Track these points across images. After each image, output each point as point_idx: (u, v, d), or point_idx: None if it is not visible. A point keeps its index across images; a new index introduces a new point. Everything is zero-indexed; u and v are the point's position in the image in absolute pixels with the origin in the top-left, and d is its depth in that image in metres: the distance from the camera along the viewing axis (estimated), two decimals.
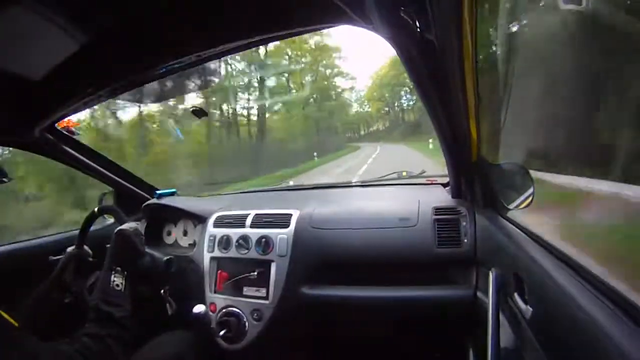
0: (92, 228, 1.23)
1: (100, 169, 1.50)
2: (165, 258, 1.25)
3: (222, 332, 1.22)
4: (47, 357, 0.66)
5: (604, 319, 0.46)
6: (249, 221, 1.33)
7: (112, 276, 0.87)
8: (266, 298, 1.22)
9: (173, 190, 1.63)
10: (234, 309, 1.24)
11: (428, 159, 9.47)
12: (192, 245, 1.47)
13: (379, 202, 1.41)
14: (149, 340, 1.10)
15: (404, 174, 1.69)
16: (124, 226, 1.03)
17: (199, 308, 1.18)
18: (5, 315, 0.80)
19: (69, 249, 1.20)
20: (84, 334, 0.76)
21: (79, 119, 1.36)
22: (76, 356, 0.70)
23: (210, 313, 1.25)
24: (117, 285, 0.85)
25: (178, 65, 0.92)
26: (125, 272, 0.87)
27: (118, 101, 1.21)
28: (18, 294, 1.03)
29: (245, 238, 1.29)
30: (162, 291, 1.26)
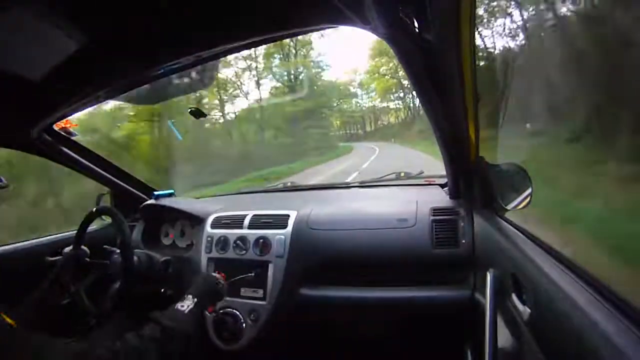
0: (89, 229, 1.22)
1: (98, 170, 1.50)
2: (163, 259, 1.25)
3: (219, 333, 1.21)
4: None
5: (601, 319, 0.46)
6: (246, 222, 1.33)
7: (183, 300, 0.89)
8: (263, 299, 1.22)
9: (171, 191, 1.62)
10: (231, 310, 1.23)
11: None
12: (190, 246, 1.46)
13: (377, 202, 1.40)
14: None
15: (402, 174, 1.69)
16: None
17: None
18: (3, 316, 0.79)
19: (66, 250, 1.20)
20: (136, 333, 0.73)
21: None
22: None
23: (208, 314, 1.25)
24: (182, 306, 0.87)
25: (177, 65, 0.92)
26: (196, 299, 0.90)
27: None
28: (15, 295, 1.02)
29: (243, 239, 1.28)
30: (159, 292, 1.25)
